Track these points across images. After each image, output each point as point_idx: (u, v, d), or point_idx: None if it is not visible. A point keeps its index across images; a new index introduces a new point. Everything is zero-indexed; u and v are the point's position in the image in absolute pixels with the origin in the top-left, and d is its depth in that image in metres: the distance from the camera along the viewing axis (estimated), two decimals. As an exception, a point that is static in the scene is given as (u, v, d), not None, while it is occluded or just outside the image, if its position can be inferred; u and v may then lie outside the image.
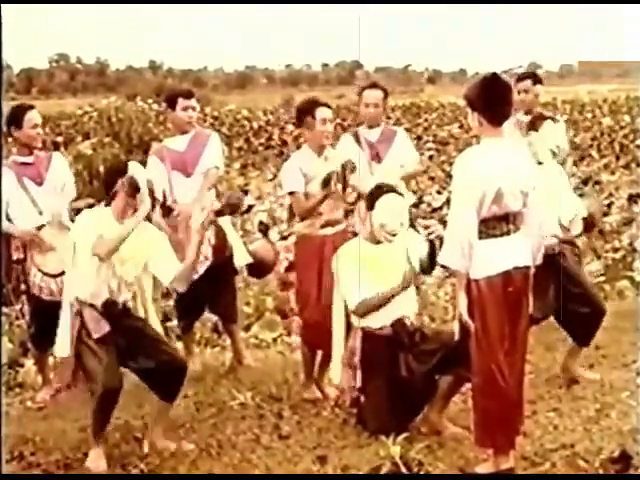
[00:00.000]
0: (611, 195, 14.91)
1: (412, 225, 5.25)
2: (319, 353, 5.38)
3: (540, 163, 5.32)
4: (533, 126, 5.47)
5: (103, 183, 4.60)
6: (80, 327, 4.46)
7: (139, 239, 4.47)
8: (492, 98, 3.99)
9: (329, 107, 5.36)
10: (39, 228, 5.34)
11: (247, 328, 7.58)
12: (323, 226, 5.29)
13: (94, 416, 4.45)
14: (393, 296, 4.75)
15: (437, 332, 4.89)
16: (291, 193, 5.33)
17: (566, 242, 5.40)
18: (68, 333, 4.46)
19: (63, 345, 4.49)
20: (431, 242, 4.62)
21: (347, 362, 4.84)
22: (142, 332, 4.55)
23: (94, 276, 4.39)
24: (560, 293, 5.33)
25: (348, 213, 5.46)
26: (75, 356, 4.47)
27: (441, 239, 4.40)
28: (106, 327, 4.43)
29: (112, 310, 4.46)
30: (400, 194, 4.91)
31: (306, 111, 5.32)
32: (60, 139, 21.63)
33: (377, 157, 5.97)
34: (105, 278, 4.42)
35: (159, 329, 4.72)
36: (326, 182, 5.21)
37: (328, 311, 5.02)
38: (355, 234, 5.22)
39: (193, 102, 5.87)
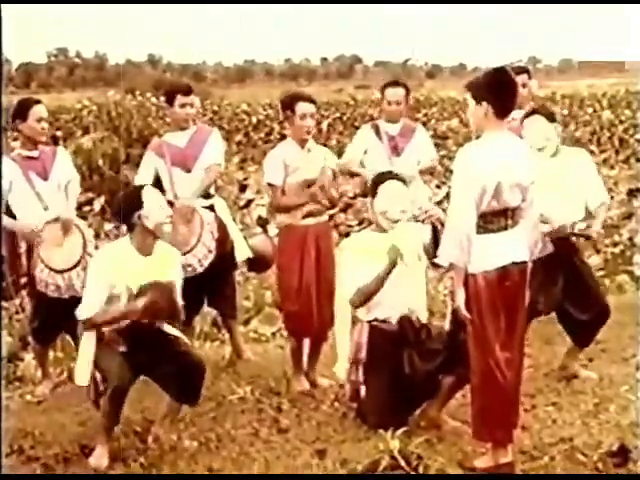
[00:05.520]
0: (611, 190, 14.87)
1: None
2: (306, 345, 5.47)
3: (554, 155, 5.27)
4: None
5: (121, 212, 4.57)
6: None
7: (161, 259, 4.54)
8: (502, 89, 4.00)
9: (312, 102, 5.38)
10: (45, 224, 5.31)
11: (246, 322, 7.57)
12: (305, 216, 5.32)
13: (105, 414, 4.46)
14: (387, 275, 4.67)
15: (443, 331, 4.87)
16: (270, 185, 5.37)
17: (582, 235, 5.32)
18: (90, 362, 4.44)
19: (83, 373, 4.47)
20: (434, 227, 4.60)
21: (352, 357, 4.84)
22: (166, 340, 4.56)
23: (113, 305, 4.42)
24: (567, 289, 5.31)
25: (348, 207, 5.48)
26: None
27: (442, 223, 4.39)
28: (122, 348, 4.46)
29: (131, 328, 4.45)
30: (402, 181, 4.89)
31: (287, 105, 5.36)
32: (59, 133, 21.59)
33: (396, 150, 6.03)
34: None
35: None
36: (309, 185, 5.26)
37: (309, 300, 5.20)
38: (336, 226, 5.27)
39: (191, 98, 5.83)
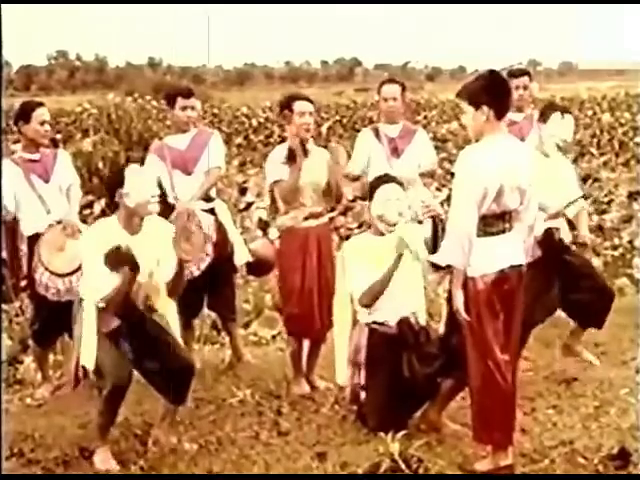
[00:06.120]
0: (610, 193, 14.87)
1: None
2: (306, 347, 5.47)
3: (547, 156, 5.36)
4: (542, 117, 5.50)
5: (106, 190, 4.54)
6: None
7: (150, 236, 4.43)
8: (500, 90, 4.02)
9: (309, 101, 5.38)
10: (48, 227, 5.29)
11: (246, 325, 7.57)
12: (306, 218, 5.33)
13: (101, 413, 4.43)
14: (392, 275, 4.71)
15: (441, 335, 4.86)
16: (276, 182, 5.36)
17: (575, 244, 5.38)
18: (94, 341, 4.32)
19: (91, 355, 4.33)
20: (434, 222, 4.58)
21: (351, 359, 4.84)
22: (155, 335, 4.50)
23: (109, 284, 4.30)
24: (566, 286, 5.34)
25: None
26: None
27: (442, 220, 4.39)
28: (115, 322, 4.38)
29: (126, 312, 4.41)
30: (400, 184, 4.90)
31: (284, 105, 5.37)
32: (59, 136, 21.61)
33: (396, 152, 6.05)
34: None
35: (176, 324, 4.62)
36: (291, 155, 5.26)
37: (311, 302, 5.24)
38: (336, 228, 5.28)
39: (192, 101, 5.84)
